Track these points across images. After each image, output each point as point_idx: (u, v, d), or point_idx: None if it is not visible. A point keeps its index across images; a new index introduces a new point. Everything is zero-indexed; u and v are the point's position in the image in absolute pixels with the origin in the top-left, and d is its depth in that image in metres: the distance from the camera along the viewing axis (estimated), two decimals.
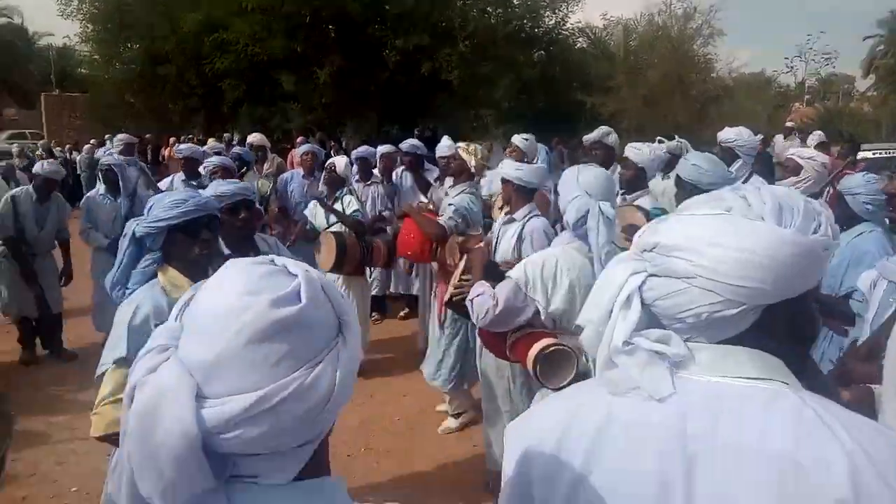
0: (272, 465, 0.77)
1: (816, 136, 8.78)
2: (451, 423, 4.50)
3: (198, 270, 2.14)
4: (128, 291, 2.19)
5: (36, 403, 4.91)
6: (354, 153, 6.92)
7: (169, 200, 2.17)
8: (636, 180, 4.40)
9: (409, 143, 6.89)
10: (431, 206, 5.00)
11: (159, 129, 17.70)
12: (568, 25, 19.41)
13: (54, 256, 6.07)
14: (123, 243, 2.22)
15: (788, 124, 13.27)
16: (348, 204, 5.18)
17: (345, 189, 5.35)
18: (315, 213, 5.41)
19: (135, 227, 2.19)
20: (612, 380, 0.93)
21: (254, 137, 8.71)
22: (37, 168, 6.15)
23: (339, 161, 5.47)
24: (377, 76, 16.06)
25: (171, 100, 18.43)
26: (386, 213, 6.25)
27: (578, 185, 2.66)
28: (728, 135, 4.88)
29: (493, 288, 2.64)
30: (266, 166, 7.96)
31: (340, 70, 15.76)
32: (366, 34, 16.10)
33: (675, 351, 0.90)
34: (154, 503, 0.73)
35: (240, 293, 0.74)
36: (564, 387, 2.43)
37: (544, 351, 2.43)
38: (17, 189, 6.06)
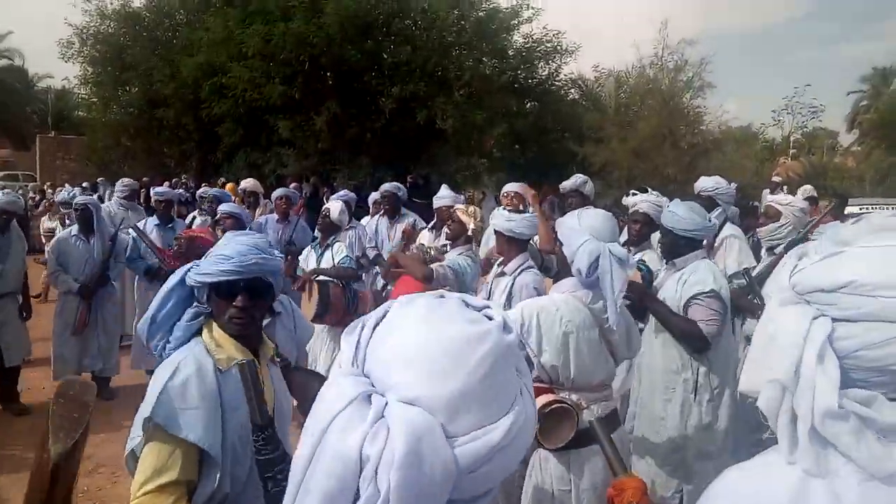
0: None
1: (806, 190, 8.92)
2: None
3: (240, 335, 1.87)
4: (169, 346, 1.88)
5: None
6: (335, 196, 6.92)
7: (217, 253, 1.87)
8: (646, 234, 4.34)
9: (390, 185, 6.96)
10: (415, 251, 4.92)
11: (154, 172, 17.77)
12: (561, 77, 19.85)
13: (17, 299, 5.76)
14: (168, 286, 1.91)
15: (775, 178, 13.50)
16: (338, 251, 5.09)
17: (338, 235, 5.34)
18: (308, 258, 5.35)
19: (185, 273, 1.90)
20: (868, 458, 0.75)
21: (247, 183, 8.78)
22: None
23: (335, 207, 5.48)
24: (372, 123, 16.27)
25: (167, 143, 18.57)
26: (363, 261, 6.14)
27: (581, 228, 2.56)
28: (706, 184, 5.07)
29: None
30: (259, 212, 8.00)
31: (336, 117, 15.96)
32: (362, 82, 16.38)
33: (890, 418, 0.75)
34: None
35: (466, 322, 0.69)
36: (562, 448, 2.35)
37: (543, 410, 2.25)
38: None
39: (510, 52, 18.44)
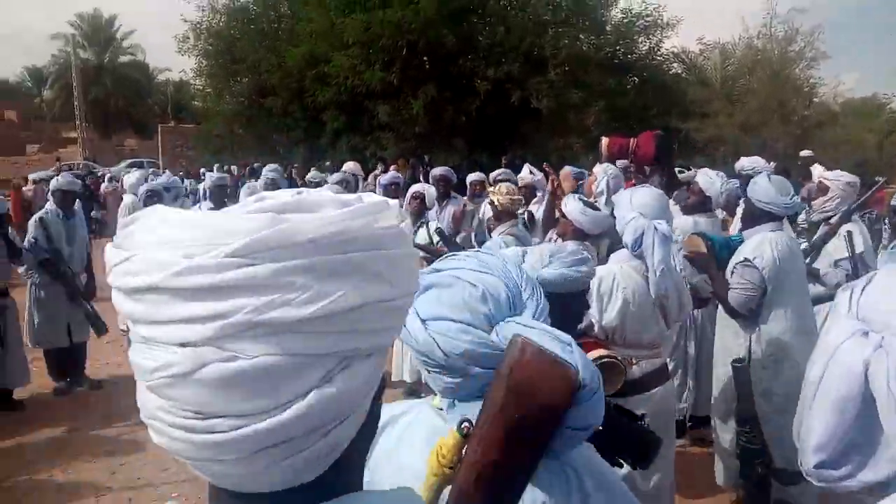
0: None
1: None
2: None
3: None
4: None
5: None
6: (435, 171, 7.09)
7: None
8: (698, 207, 4.52)
9: (441, 169, 7.11)
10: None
11: (264, 159, 18.75)
12: (662, 51, 19.18)
13: (81, 280, 5.88)
14: None
15: None
16: (434, 231, 5.23)
17: (427, 215, 5.53)
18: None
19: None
20: None
21: (348, 165, 9.25)
22: (53, 183, 5.97)
23: (430, 190, 5.68)
24: (468, 106, 16.43)
25: (275, 131, 19.52)
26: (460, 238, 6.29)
27: (632, 206, 2.83)
28: (745, 163, 5.13)
29: None
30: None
31: (433, 100, 16.23)
32: (458, 65, 16.53)
33: None
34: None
35: None
36: (611, 397, 2.58)
37: (596, 361, 2.49)
38: (42, 210, 5.87)
39: (608, 28, 18.02)
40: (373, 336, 0.60)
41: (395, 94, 16.66)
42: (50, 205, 5.80)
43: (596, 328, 2.73)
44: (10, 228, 5.57)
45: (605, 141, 4.90)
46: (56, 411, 5.46)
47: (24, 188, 14.42)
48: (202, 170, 17.06)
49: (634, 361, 2.76)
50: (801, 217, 5.87)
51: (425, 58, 16.97)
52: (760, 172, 4.81)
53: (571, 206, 3.60)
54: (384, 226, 0.60)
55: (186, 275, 0.54)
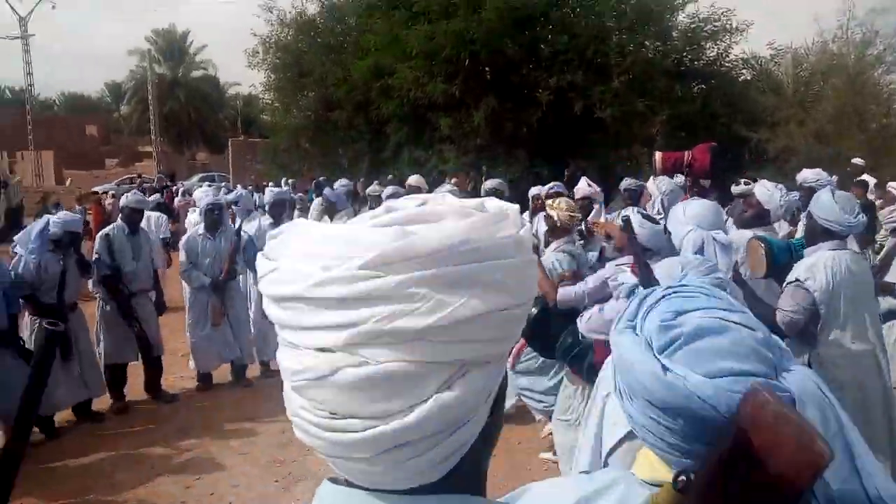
0: None
1: None
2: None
3: None
4: None
5: (215, 429, 5.50)
6: (487, 183, 7.15)
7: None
8: (756, 221, 4.41)
9: (493, 181, 7.14)
10: None
11: (329, 172, 19.14)
12: (731, 57, 18.61)
13: (150, 296, 6.04)
14: None
15: None
16: None
17: None
18: None
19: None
20: None
21: (412, 179, 9.32)
22: (123, 200, 6.10)
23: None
24: (529, 116, 16.34)
25: (341, 144, 19.89)
26: None
27: (687, 219, 2.83)
28: (808, 175, 5.01)
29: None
30: None
31: (494, 111, 16.22)
32: (519, 75, 16.48)
33: None
34: None
35: None
36: None
37: None
38: (108, 227, 6.02)
39: (674, 34, 17.64)
40: (492, 345, 0.63)
41: (456, 106, 16.73)
42: (118, 221, 5.98)
43: None
44: (84, 243, 5.88)
45: (658, 155, 5.02)
46: (132, 425, 5.67)
47: (105, 202, 15.14)
48: (269, 183, 17.57)
49: None
50: (881, 234, 5.64)
51: (487, 68, 16.98)
52: (824, 186, 4.76)
53: (634, 221, 3.56)
54: (504, 235, 0.63)
55: (324, 285, 0.60)
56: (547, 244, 4.66)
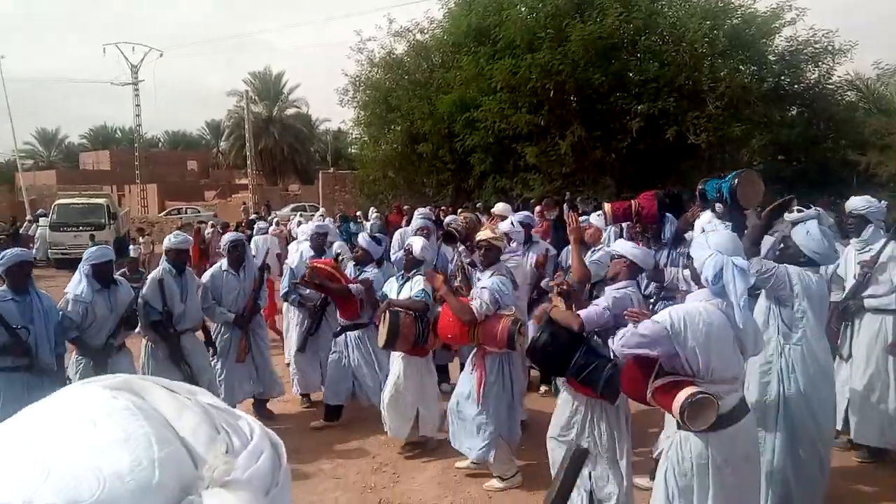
0: None
1: None
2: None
3: None
4: None
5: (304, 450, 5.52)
6: (516, 216, 7.02)
7: None
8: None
9: (522, 214, 7.07)
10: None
11: (414, 201, 19.47)
12: (833, 79, 17.65)
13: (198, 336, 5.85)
14: None
15: None
16: (416, 283, 5.28)
17: (421, 268, 5.52)
18: (391, 288, 5.56)
19: None
20: None
21: (499, 207, 9.27)
22: (166, 242, 5.87)
23: (416, 243, 5.66)
24: (618, 143, 16.06)
25: (426, 174, 20.25)
26: (544, 283, 6.15)
27: (709, 246, 3.08)
28: (857, 203, 5.11)
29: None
30: None
31: (580, 139, 16.05)
32: (607, 103, 16.26)
33: None
34: None
35: None
36: (704, 431, 2.96)
37: (691, 398, 2.86)
38: (154, 272, 5.79)
39: (771, 58, 16.95)
40: None
41: (542, 135, 16.69)
42: (164, 263, 5.74)
43: (683, 361, 2.93)
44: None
45: (607, 206, 5.37)
46: None
47: (204, 231, 15.91)
48: (357, 213, 18.01)
49: (721, 395, 2.95)
50: None
51: (573, 98, 16.88)
52: (876, 212, 5.08)
53: (623, 246, 4.11)
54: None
55: None
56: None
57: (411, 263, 5.50)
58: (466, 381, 4.81)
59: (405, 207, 16.60)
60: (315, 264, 6.09)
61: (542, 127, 16.47)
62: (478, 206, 15.11)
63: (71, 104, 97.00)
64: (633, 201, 5.24)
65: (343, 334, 6.00)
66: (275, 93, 50.87)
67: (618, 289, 3.91)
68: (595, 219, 5.88)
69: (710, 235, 3.23)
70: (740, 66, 16.23)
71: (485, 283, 4.64)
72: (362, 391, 5.97)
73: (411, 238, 6.26)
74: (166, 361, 5.55)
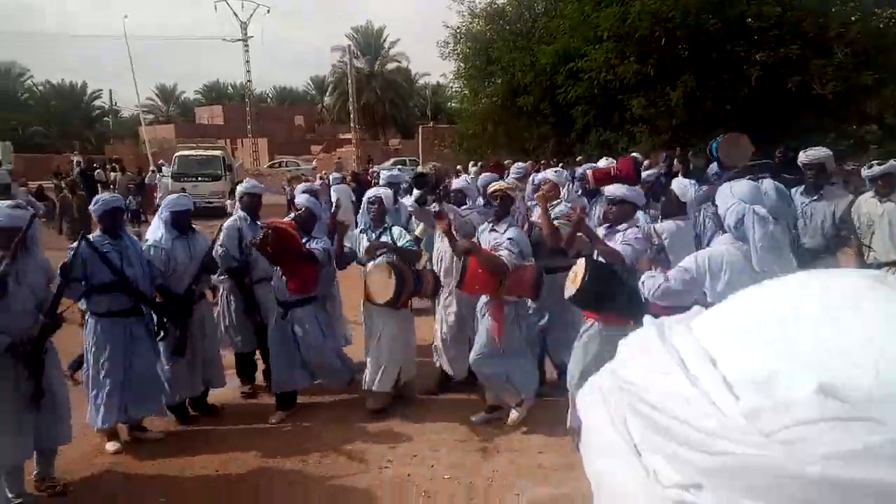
0: None
1: None
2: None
3: None
4: None
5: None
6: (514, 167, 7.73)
7: None
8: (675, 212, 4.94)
9: (588, 166, 7.25)
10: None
11: (514, 155, 19.29)
12: None
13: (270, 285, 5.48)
14: None
15: None
16: (399, 235, 5.26)
17: (391, 222, 5.52)
18: (359, 242, 5.41)
19: None
20: None
21: (602, 164, 9.05)
22: (240, 188, 5.83)
23: (386, 195, 5.60)
24: (734, 94, 15.14)
25: (526, 128, 19.94)
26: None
27: (733, 194, 3.33)
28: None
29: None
30: None
31: (692, 90, 15.26)
32: (722, 51, 15.31)
33: None
34: None
35: None
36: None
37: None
38: (231, 219, 5.73)
39: None
40: None
41: (650, 86, 15.97)
42: (238, 210, 5.71)
43: (709, 300, 3.16)
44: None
45: (589, 173, 6.10)
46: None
47: (311, 182, 16.44)
48: (458, 167, 18.07)
49: None
50: None
51: (684, 46, 15.99)
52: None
53: (617, 190, 4.40)
54: None
55: None
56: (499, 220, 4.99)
57: (381, 215, 5.46)
58: (487, 337, 4.85)
59: (506, 162, 16.47)
60: (275, 223, 5.16)
61: (651, 77, 15.73)
62: (578, 159, 14.78)
63: (187, 61, 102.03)
64: (611, 166, 5.92)
65: (288, 313, 5.23)
66: (376, 48, 51.36)
67: (629, 228, 4.24)
68: (552, 175, 5.96)
69: (733, 185, 3.47)
70: (876, 10, 14.81)
71: (510, 235, 4.79)
72: (324, 372, 5.45)
73: (378, 189, 5.86)
74: (240, 309, 5.58)
